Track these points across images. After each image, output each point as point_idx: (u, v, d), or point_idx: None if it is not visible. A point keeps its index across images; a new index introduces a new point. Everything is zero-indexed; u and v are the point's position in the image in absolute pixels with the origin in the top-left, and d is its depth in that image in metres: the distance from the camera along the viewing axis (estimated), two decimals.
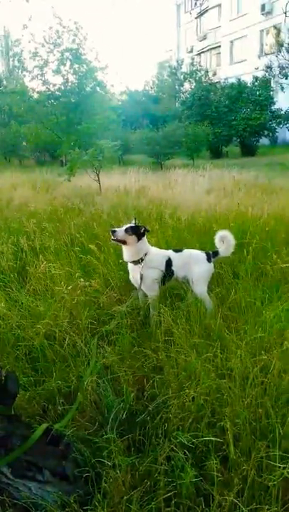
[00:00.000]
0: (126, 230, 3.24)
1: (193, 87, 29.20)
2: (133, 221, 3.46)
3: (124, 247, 3.34)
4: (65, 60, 18.13)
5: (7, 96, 23.21)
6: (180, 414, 2.05)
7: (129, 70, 76.38)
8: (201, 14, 38.60)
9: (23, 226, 5.23)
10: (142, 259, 3.28)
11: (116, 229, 3.27)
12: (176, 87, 35.18)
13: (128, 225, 3.31)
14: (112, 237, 3.26)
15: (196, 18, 39.49)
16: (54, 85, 19.09)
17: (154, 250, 3.45)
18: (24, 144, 23.51)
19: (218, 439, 1.91)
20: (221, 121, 24.10)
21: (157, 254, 3.43)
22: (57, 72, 18.35)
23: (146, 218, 5.81)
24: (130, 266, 3.41)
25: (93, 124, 13.90)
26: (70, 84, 19.08)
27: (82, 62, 18.58)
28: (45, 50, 17.77)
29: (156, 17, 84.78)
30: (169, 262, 3.41)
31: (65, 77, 18.79)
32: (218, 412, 2.09)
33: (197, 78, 29.56)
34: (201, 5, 36.44)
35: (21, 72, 27.27)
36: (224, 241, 3.54)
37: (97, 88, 20.72)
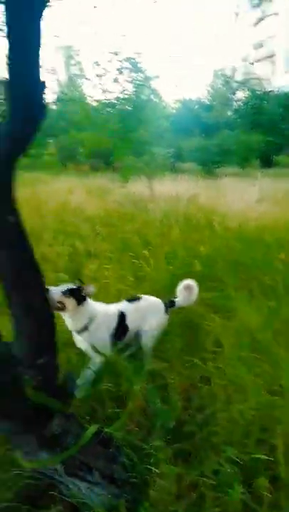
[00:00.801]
0: (64, 292, 2.48)
1: (246, 95, 28.78)
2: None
3: (65, 316, 2.63)
4: (124, 69, 18.60)
5: (67, 104, 24.23)
6: (228, 427, 2.02)
7: (184, 78, 76.61)
8: (258, 22, 38.09)
9: (79, 229, 5.42)
10: (86, 327, 2.62)
11: (51, 288, 2.40)
12: (229, 95, 34.82)
13: (66, 286, 2.54)
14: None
15: (253, 26, 39.01)
16: (112, 93, 19.62)
17: (101, 312, 2.72)
18: (80, 150, 24.30)
19: (269, 458, 1.86)
20: (273, 130, 23.58)
21: (106, 315, 2.76)
22: (115, 80, 18.85)
23: (195, 225, 5.80)
24: (74, 334, 2.71)
25: (146, 131, 14.10)
26: (126, 92, 19.53)
27: (139, 71, 18.97)
28: (105, 58, 18.31)
29: (214, 25, 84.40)
30: (122, 317, 2.81)
31: (123, 86, 19.25)
32: (268, 429, 2.03)
33: (251, 87, 29.12)
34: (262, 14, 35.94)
35: (81, 80, 28.31)
36: (189, 291, 3.07)
37: (152, 96, 21.02)
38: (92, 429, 1.79)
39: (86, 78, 20.24)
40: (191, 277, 3.81)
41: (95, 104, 21.87)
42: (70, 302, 2.50)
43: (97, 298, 3.55)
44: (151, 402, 2.28)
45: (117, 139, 18.63)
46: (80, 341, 2.68)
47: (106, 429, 1.93)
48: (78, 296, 2.54)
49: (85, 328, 2.61)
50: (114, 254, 4.53)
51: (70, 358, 2.83)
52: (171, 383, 2.39)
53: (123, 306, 2.89)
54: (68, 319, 2.61)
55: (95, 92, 19.84)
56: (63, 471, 1.71)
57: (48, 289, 2.27)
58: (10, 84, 1.63)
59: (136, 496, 1.81)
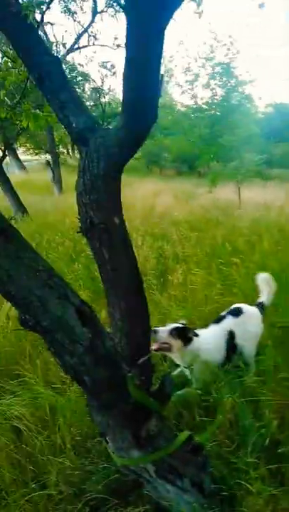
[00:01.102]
0: (170, 332, 2.48)
1: None
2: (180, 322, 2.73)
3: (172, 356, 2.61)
4: (216, 74, 18.45)
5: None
6: None
7: (277, 82, 73.62)
8: None
9: (166, 232, 5.46)
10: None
11: (158, 328, 2.49)
12: None
13: (172, 326, 2.55)
14: (154, 348, 2.45)
15: None
16: (202, 99, 19.58)
17: (208, 343, 2.61)
18: (165, 154, 24.62)
19: None
20: None
21: (214, 343, 2.65)
22: (207, 86, 18.77)
23: (288, 236, 5.48)
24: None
25: (235, 136, 13.79)
26: (217, 97, 19.35)
27: (231, 76, 18.67)
28: (197, 64, 18.33)
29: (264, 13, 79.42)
30: (231, 336, 2.69)
31: (214, 91, 19.12)
32: None
33: None
34: None
35: (172, 86, 28.67)
36: (267, 285, 3.01)
37: (243, 101, 20.51)
38: (185, 434, 1.76)
39: (177, 84, 20.50)
40: (286, 292, 3.62)
41: (183, 109, 22.06)
42: (176, 343, 2.48)
43: (185, 303, 3.55)
44: (242, 416, 2.18)
45: (204, 143, 18.56)
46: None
47: (196, 438, 1.89)
48: (185, 336, 2.50)
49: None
50: (202, 259, 4.47)
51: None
52: (265, 399, 2.25)
53: (229, 323, 2.76)
54: (174, 356, 2.58)
55: (185, 98, 19.99)
56: (154, 472, 1.70)
57: (155, 330, 2.45)
58: (128, 90, 1.66)
59: (224, 509, 1.74)
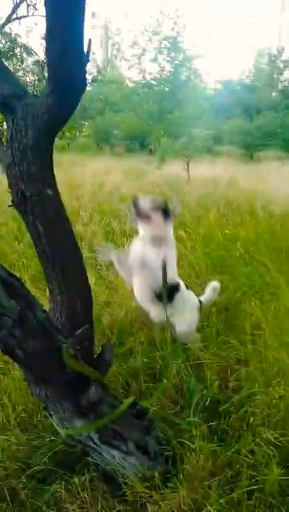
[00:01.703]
0: (152, 204, 2.42)
1: None
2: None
3: (141, 227, 2.50)
4: (163, 48, 18.24)
5: (104, 85, 24.06)
6: (266, 410, 1.97)
7: (226, 57, 74.08)
8: None
9: (115, 209, 5.42)
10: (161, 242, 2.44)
11: (139, 198, 2.44)
12: (275, 75, 33.27)
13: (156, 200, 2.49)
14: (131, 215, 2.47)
15: None
16: (150, 74, 19.33)
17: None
18: (116, 132, 24.21)
19: None
20: None
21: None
22: (154, 60, 18.55)
23: (235, 209, 5.65)
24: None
25: (185, 113, 13.83)
26: (165, 72, 19.18)
27: (179, 51, 18.53)
28: (145, 38, 18.02)
29: (258, 3, 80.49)
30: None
31: (162, 66, 18.92)
32: None
33: None
34: None
35: (119, 61, 27.96)
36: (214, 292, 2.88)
37: (192, 77, 20.51)
38: (129, 399, 1.80)
39: (124, 58, 20.03)
40: (229, 260, 3.75)
41: (131, 85, 21.66)
42: (157, 218, 2.42)
43: None
44: (185, 380, 2.27)
45: (154, 120, 18.47)
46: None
47: (140, 403, 1.94)
48: (167, 214, 2.46)
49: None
50: None
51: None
52: (207, 363, 2.35)
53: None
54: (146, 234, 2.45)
55: (133, 72, 19.68)
56: (98, 438, 1.73)
57: (136, 198, 2.44)
58: (51, 53, 1.59)
59: (169, 469, 1.82)
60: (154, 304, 2.50)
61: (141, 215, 2.42)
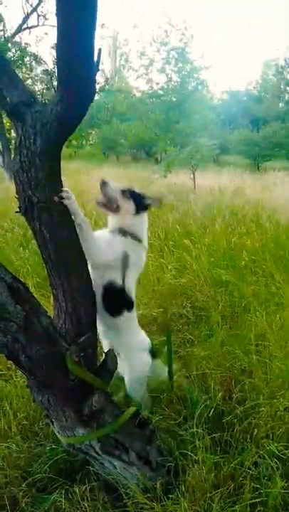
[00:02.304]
0: (123, 191, 2.08)
1: None
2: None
3: (110, 217, 2.16)
4: (171, 59, 18.40)
5: (111, 94, 24.32)
6: (271, 422, 1.95)
7: (233, 68, 74.70)
8: None
9: None
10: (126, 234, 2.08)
11: (109, 182, 2.08)
12: (282, 86, 33.48)
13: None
14: (98, 201, 2.09)
15: None
16: (157, 84, 19.49)
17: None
18: (122, 141, 24.36)
19: None
20: None
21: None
22: (162, 71, 18.68)
23: (241, 219, 5.64)
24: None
25: (191, 123, 13.89)
26: (172, 83, 19.33)
27: (186, 62, 18.69)
28: (152, 49, 18.17)
29: (266, 14, 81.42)
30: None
31: (169, 76, 19.07)
32: None
33: None
34: None
35: (127, 71, 28.28)
36: None
37: (199, 87, 20.63)
38: (131, 409, 1.78)
39: (132, 69, 20.26)
40: (234, 270, 3.74)
41: (139, 94, 21.83)
42: (128, 205, 2.06)
43: (137, 284, 3.57)
44: (188, 391, 2.25)
45: (160, 129, 18.56)
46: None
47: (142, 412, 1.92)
48: (140, 201, 2.09)
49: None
50: (154, 242, 4.50)
51: None
52: (211, 373, 2.33)
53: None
54: (113, 223, 2.12)
55: (140, 82, 19.87)
56: (99, 448, 1.72)
57: (104, 181, 2.07)
58: (61, 62, 1.61)
59: (171, 480, 1.79)
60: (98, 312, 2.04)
61: (109, 201, 2.06)
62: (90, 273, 1.94)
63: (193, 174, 9.79)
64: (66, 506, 1.70)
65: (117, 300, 2.03)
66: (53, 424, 1.76)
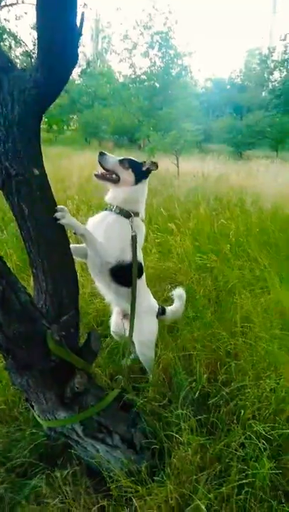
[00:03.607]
0: (121, 161, 2.08)
1: (284, 75, 27.56)
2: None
3: (111, 190, 2.15)
4: (154, 43, 18.10)
5: (93, 78, 23.78)
6: (257, 403, 1.92)
7: (216, 56, 74.26)
8: None
9: (102, 202, 5.30)
10: (130, 215, 2.05)
11: (106, 153, 2.10)
12: (265, 75, 33.49)
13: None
14: (96, 174, 2.11)
15: None
16: (140, 69, 19.20)
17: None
18: (104, 127, 23.94)
19: None
20: None
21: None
22: (145, 55, 18.38)
23: (225, 204, 5.61)
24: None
25: (175, 109, 13.75)
26: (156, 68, 19.06)
27: (170, 47, 18.43)
28: (136, 32, 17.85)
29: (250, 3, 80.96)
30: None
31: (152, 61, 18.79)
32: None
33: None
34: None
35: (110, 54, 27.72)
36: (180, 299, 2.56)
37: (183, 73, 20.44)
38: (115, 391, 1.72)
39: (114, 52, 19.84)
40: (219, 254, 3.70)
41: (121, 79, 21.46)
42: (127, 175, 2.07)
43: None
44: (173, 373, 2.20)
45: (143, 116, 18.32)
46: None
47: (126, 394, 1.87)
48: (139, 169, 2.10)
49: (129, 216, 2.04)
50: None
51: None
52: (196, 355, 2.29)
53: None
54: (115, 196, 2.09)
55: (123, 67, 19.61)
56: (82, 431, 1.65)
57: (101, 152, 2.08)
58: (42, 24, 1.50)
59: (156, 463, 1.75)
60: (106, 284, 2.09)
61: (108, 172, 2.07)
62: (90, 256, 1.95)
63: (177, 160, 9.70)
64: (47, 491, 1.64)
65: (127, 273, 2.01)
66: (33, 408, 1.68)
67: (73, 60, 1.62)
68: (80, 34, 1.59)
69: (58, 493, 1.64)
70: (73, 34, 1.55)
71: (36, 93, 1.61)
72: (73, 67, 1.67)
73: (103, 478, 1.69)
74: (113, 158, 2.10)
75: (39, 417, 1.64)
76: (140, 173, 2.10)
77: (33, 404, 1.61)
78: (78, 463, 1.77)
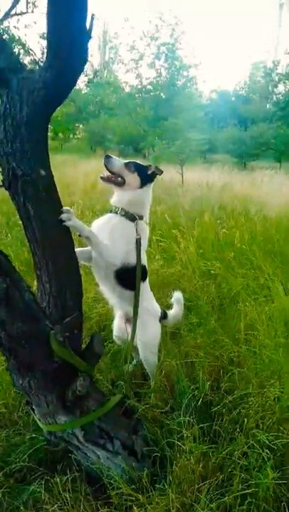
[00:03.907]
0: (127, 164, 2.09)
1: (288, 88, 27.84)
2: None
3: (116, 193, 2.15)
4: (161, 54, 18.37)
5: (100, 88, 24.02)
6: (260, 412, 1.88)
7: (222, 68, 75.05)
8: None
9: (107, 208, 5.31)
10: (135, 218, 2.05)
11: (112, 156, 2.12)
12: (270, 88, 33.81)
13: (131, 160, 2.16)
14: (102, 176, 2.13)
15: None
16: (147, 79, 19.44)
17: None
18: (110, 136, 24.09)
19: None
20: None
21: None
22: (151, 66, 18.66)
23: (229, 213, 5.61)
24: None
25: (180, 119, 13.90)
26: (162, 79, 19.31)
27: (176, 58, 18.69)
28: (143, 43, 18.19)
29: (256, 17, 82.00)
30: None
31: (159, 72, 19.05)
32: None
33: None
34: None
35: (116, 64, 28.01)
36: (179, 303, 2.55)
37: (188, 84, 20.69)
38: (117, 396, 1.70)
39: (121, 62, 20.10)
40: (223, 262, 3.68)
41: (128, 89, 21.71)
42: (133, 178, 2.07)
43: None
44: (175, 380, 2.17)
45: (149, 126, 18.51)
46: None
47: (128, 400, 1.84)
48: (145, 173, 2.10)
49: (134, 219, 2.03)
50: None
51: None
52: (199, 362, 2.26)
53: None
54: (120, 199, 2.09)
55: (129, 77, 19.93)
56: (83, 437, 1.62)
57: (109, 156, 2.10)
58: (52, 24, 1.51)
59: (157, 470, 1.71)
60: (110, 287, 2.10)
61: (114, 175, 2.09)
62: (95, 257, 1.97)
63: (182, 169, 9.73)
64: (46, 498, 1.60)
65: (132, 276, 2.01)
66: (33, 412, 1.66)
67: (82, 62, 1.63)
68: (90, 37, 1.60)
69: (57, 499, 1.60)
70: (83, 36, 1.56)
71: (45, 94, 1.61)
72: (82, 69, 1.67)
73: (103, 485, 1.65)
74: (119, 161, 2.11)
75: (40, 420, 1.61)
76: (145, 176, 2.11)
77: (34, 407, 1.59)
78: (78, 469, 1.74)
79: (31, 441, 1.83)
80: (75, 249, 1.88)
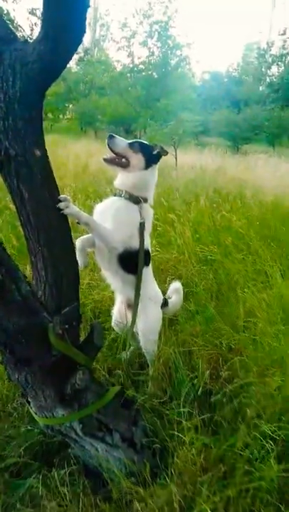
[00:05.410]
0: (131, 144, 2.00)
1: (282, 70, 27.45)
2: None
3: (120, 175, 2.06)
4: (153, 32, 17.87)
5: (91, 66, 23.31)
6: (262, 402, 1.84)
7: (214, 49, 73.66)
8: None
9: (100, 191, 5.19)
10: (139, 201, 1.98)
11: (116, 136, 2.01)
12: (263, 69, 33.29)
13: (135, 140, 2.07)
14: (105, 158, 2.02)
15: None
16: (139, 58, 18.96)
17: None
18: (99, 116, 23.55)
19: None
20: None
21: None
22: (144, 44, 18.18)
23: (225, 196, 5.52)
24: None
25: (172, 100, 13.63)
26: (154, 58, 18.84)
27: (169, 37, 18.21)
28: (135, 21, 17.66)
29: None
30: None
31: (151, 51, 18.57)
32: None
33: (287, 61, 27.70)
34: None
35: (108, 42, 27.22)
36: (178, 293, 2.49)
37: (181, 64, 20.27)
38: (116, 388, 1.63)
39: (113, 40, 19.52)
40: (220, 247, 3.61)
41: (119, 68, 21.14)
42: (137, 158, 1.97)
43: None
44: (174, 369, 2.12)
45: (141, 106, 18.13)
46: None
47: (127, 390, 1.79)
48: (150, 153, 2.00)
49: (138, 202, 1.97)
50: None
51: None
52: (198, 350, 2.21)
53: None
54: (124, 181, 2.02)
55: (121, 55, 19.50)
56: (81, 429, 1.56)
57: (112, 136, 1.99)
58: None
59: (157, 463, 1.67)
60: (113, 271, 2.04)
61: (118, 156, 1.99)
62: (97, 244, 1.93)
63: (175, 151, 9.56)
64: (43, 492, 1.55)
65: (134, 260, 1.96)
66: (29, 404, 1.59)
67: (80, 31, 1.50)
68: (88, 5, 1.47)
69: (55, 493, 1.55)
70: (80, 4, 1.43)
71: (40, 67, 1.49)
72: (81, 40, 1.55)
73: (101, 479, 1.61)
74: (123, 141, 2.00)
75: (36, 414, 1.55)
76: (150, 157, 2.01)
77: (30, 400, 1.51)
78: (76, 462, 1.69)
79: (27, 433, 1.78)
80: (82, 238, 1.89)
